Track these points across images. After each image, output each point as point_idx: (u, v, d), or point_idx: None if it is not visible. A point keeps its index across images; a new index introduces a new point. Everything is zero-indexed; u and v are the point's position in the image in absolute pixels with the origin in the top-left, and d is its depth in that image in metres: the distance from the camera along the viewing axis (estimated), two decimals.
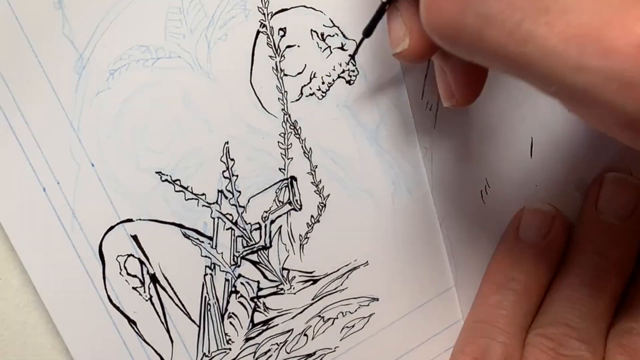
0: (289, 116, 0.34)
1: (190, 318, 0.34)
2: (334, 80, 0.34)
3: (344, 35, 0.33)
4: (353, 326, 0.36)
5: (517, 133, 0.35)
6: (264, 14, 0.33)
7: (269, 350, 0.35)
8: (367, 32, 0.31)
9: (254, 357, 0.35)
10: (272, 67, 0.33)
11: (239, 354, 0.35)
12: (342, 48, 0.34)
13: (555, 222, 0.35)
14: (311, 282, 0.35)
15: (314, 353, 0.36)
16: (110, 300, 0.33)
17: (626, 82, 0.19)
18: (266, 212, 0.34)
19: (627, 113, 0.19)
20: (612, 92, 0.19)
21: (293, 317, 0.35)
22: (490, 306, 0.35)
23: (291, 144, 0.34)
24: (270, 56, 0.33)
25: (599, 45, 0.19)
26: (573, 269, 0.34)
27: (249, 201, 0.34)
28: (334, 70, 0.34)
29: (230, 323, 0.35)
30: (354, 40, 0.34)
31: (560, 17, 0.20)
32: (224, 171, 0.33)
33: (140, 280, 0.33)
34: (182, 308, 0.34)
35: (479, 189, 0.35)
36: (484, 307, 0.35)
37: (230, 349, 0.35)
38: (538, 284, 0.34)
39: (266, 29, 0.33)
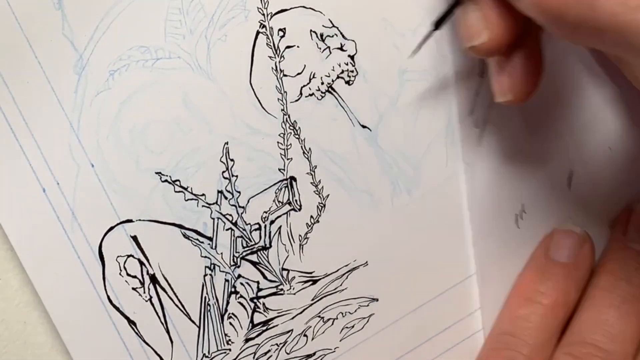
0: (289, 116, 0.34)
1: (190, 319, 0.34)
2: (333, 81, 0.34)
3: (343, 36, 0.34)
4: (353, 327, 0.36)
5: (558, 163, 0.36)
6: (263, 14, 0.33)
7: (269, 350, 0.35)
8: (438, 24, 0.30)
9: (253, 357, 0.35)
10: (272, 68, 0.33)
11: (238, 354, 0.35)
12: (341, 49, 0.34)
13: (585, 245, 0.35)
14: (311, 282, 0.35)
15: (314, 353, 0.36)
16: (110, 301, 0.33)
17: None
18: (266, 212, 0.34)
19: None
20: None
21: (293, 318, 0.35)
22: (517, 318, 0.35)
23: (291, 144, 0.34)
24: (270, 57, 0.33)
25: None
26: (600, 291, 0.34)
27: (248, 201, 0.34)
28: (333, 70, 0.34)
29: (230, 323, 0.35)
30: (353, 40, 0.34)
31: None
32: (223, 171, 0.33)
33: (140, 280, 0.33)
34: (182, 309, 0.34)
35: (514, 212, 0.36)
36: (511, 319, 0.35)
37: (230, 350, 0.35)
38: (566, 301, 0.35)
39: (266, 29, 0.33)
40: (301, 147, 0.34)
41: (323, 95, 0.34)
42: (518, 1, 0.25)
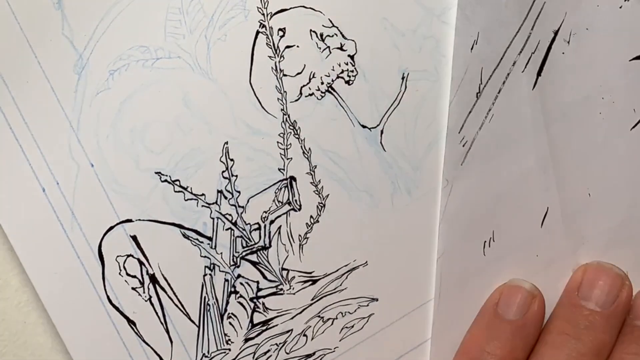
0: (289, 116, 0.34)
1: (189, 318, 0.34)
2: (333, 81, 0.34)
3: (343, 36, 0.34)
4: (352, 326, 0.36)
5: (536, 199, 0.35)
6: (263, 14, 0.33)
7: (269, 350, 0.35)
8: None
9: (253, 357, 0.35)
10: (272, 68, 0.33)
11: (238, 354, 0.35)
12: (341, 48, 0.34)
13: (535, 302, 0.35)
14: (310, 282, 0.35)
15: (314, 353, 0.36)
16: (110, 301, 0.33)
17: None
18: (265, 212, 0.34)
19: None
20: None
21: (292, 318, 0.35)
22: None
23: (290, 144, 0.34)
24: (270, 56, 0.33)
25: None
26: (549, 349, 0.34)
27: (248, 201, 0.34)
28: (333, 70, 0.34)
29: (230, 323, 0.35)
30: (353, 40, 0.34)
31: None
32: (223, 171, 0.33)
33: (139, 280, 0.33)
34: (182, 308, 0.34)
35: (483, 238, 0.35)
36: None
37: (229, 350, 0.35)
38: None
39: (265, 29, 0.33)
40: (301, 147, 0.34)
41: (323, 95, 0.34)
42: None
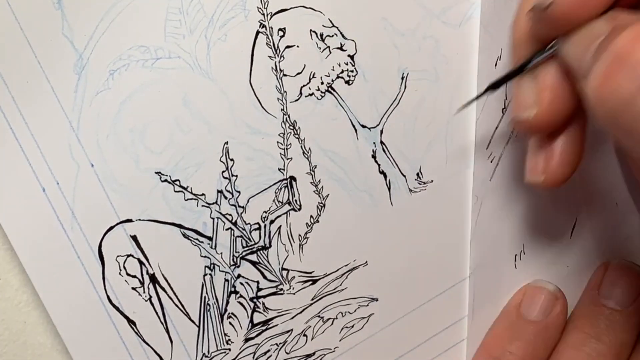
0: (288, 116, 0.34)
1: (189, 318, 0.34)
2: (333, 81, 0.34)
3: (343, 36, 0.34)
4: (352, 326, 0.36)
5: (564, 210, 0.35)
6: (263, 14, 0.33)
7: (269, 350, 0.35)
8: (495, 86, 0.30)
9: (253, 357, 0.35)
10: (272, 68, 0.33)
11: (238, 354, 0.35)
12: (341, 48, 0.34)
13: (558, 304, 0.35)
14: (310, 282, 0.35)
15: (314, 353, 0.36)
16: (110, 301, 0.33)
17: None
18: (265, 212, 0.34)
19: None
20: None
21: (292, 318, 0.35)
22: None
23: (290, 144, 0.34)
24: (270, 56, 0.33)
25: None
26: (569, 349, 0.34)
27: (248, 201, 0.34)
28: (333, 70, 0.34)
29: (230, 323, 0.35)
30: (353, 40, 0.34)
31: None
32: (223, 171, 0.33)
33: (139, 280, 0.33)
34: (182, 308, 0.34)
35: (514, 252, 0.35)
36: None
37: (229, 350, 0.35)
38: None
39: (265, 29, 0.33)
40: (301, 146, 0.34)
41: (323, 95, 0.34)
42: (588, 93, 0.24)
